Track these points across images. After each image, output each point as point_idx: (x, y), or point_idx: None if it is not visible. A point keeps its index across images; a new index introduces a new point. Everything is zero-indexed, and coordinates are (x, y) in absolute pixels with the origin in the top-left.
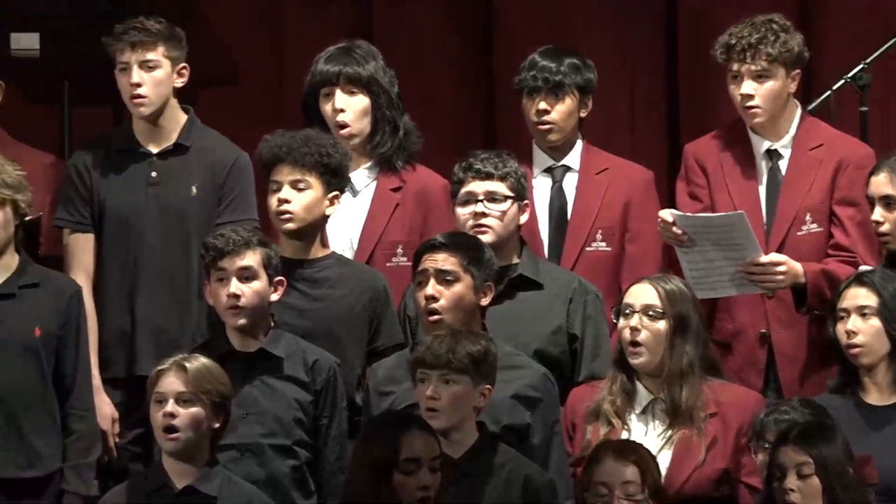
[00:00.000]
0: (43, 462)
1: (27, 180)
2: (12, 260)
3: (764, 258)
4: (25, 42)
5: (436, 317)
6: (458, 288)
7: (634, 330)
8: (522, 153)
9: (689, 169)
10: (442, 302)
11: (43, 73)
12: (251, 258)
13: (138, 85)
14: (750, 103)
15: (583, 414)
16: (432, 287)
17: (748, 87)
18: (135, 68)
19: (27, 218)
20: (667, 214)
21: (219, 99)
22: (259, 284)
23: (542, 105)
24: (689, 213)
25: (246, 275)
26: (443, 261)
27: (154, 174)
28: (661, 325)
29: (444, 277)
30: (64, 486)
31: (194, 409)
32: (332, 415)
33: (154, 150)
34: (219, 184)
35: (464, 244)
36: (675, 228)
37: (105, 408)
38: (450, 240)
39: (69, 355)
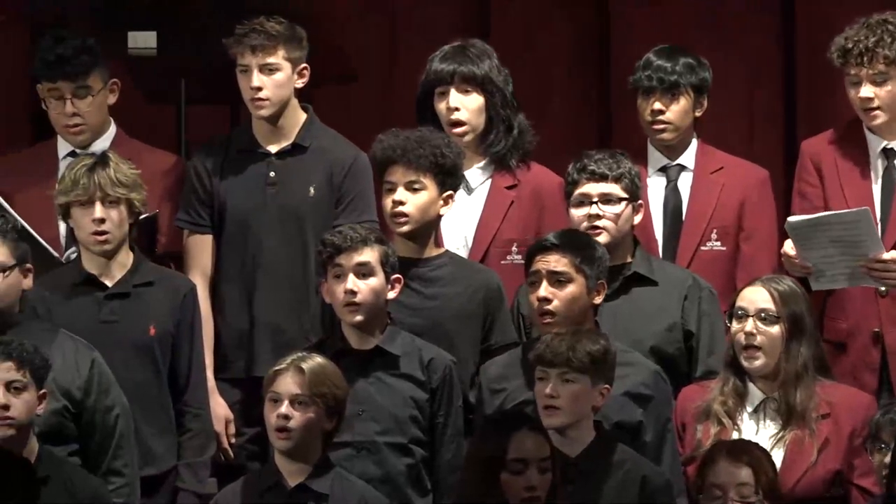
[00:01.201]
0: (158, 460)
1: (143, 178)
2: (127, 258)
3: (886, 255)
4: (143, 41)
5: (549, 318)
6: (570, 289)
7: (750, 335)
8: (637, 152)
9: (802, 167)
10: (555, 303)
11: (160, 71)
12: (368, 255)
13: (259, 88)
14: (869, 106)
15: (693, 413)
16: (545, 289)
17: (867, 90)
18: (255, 72)
19: (143, 216)
20: (788, 248)
21: (333, 98)
22: (376, 281)
23: (657, 105)
24: (807, 216)
25: (363, 271)
26: (555, 262)
27: (272, 174)
28: (776, 328)
29: (557, 279)
30: (179, 483)
31: (309, 413)
32: (448, 413)
33: (273, 150)
34: (337, 184)
35: (575, 244)
36: (799, 262)
37: (219, 409)
38: (561, 240)
39: (184, 353)
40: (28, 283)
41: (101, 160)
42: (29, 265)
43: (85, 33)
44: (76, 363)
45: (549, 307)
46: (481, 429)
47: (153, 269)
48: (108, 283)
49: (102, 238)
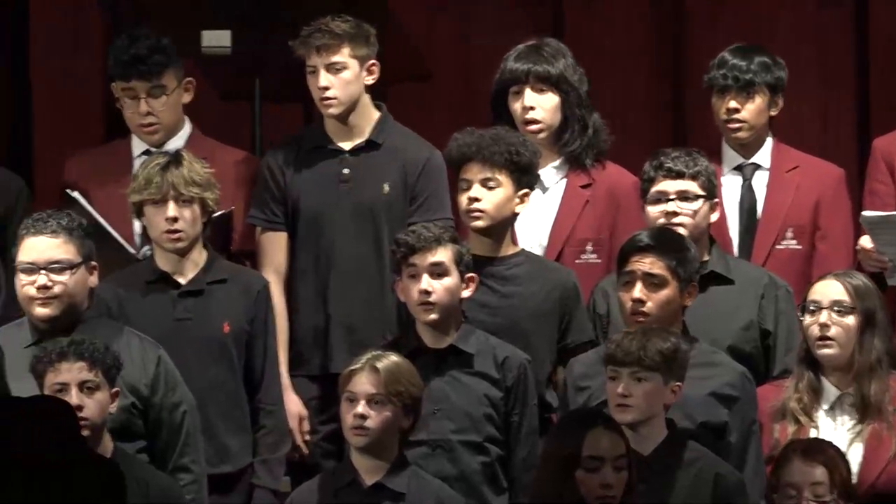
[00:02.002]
0: (234, 457)
1: (218, 176)
2: (200, 256)
3: None
4: (217, 39)
5: (642, 319)
6: (665, 292)
7: (824, 326)
8: (712, 150)
9: (874, 165)
10: (649, 305)
11: (234, 70)
12: (443, 254)
13: (326, 88)
14: None
15: (769, 413)
16: (640, 290)
17: None
18: (322, 71)
19: (218, 213)
20: (865, 242)
21: (407, 96)
22: (450, 281)
23: (732, 104)
24: (883, 212)
25: (437, 271)
26: (650, 264)
27: (346, 171)
28: (851, 319)
29: (652, 281)
30: (254, 480)
31: (385, 412)
32: (523, 412)
33: (346, 147)
34: (411, 183)
35: (671, 245)
36: (875, 256)
37: (293, 407)
38: (657, 241)
39: (258, 351)
40: (94, 280)
41: (175, 159)
42: (94, 262)
43: (159, 32)
44: (143, 360)
45: (643, 309)
46: (557, 427)
47: (226, 267)
48: (182, 281)
49: (175, 236)
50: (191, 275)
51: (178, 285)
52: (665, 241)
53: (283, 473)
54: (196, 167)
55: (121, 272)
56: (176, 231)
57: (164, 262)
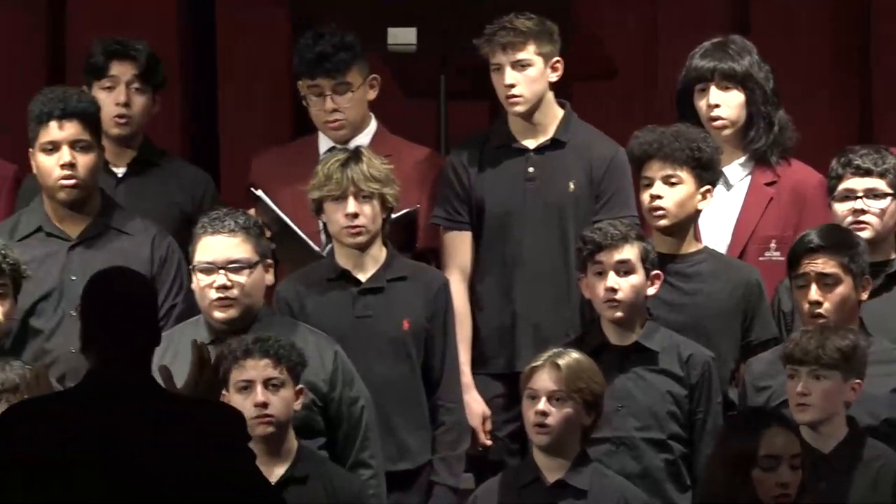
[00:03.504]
0: (413, 455)
1: (403, 174)
2: (380, 253)
3: None
4: (403, 37)
5: (821, 321)
6: (840, 290)
7: None
8: None
9: None
10: (826, 305)
11: (420, 67)
12: (629, 252)
13: (512, 86)
14: None
15: None
16: (815, 292)
17: None
18: (507, 69)
19: (403, 212)
20: None
21: (592, 94)
22: (636, 278)
23: None
24: None
25: (623, 269)
26: (823, 264)
27: (531, 170)
28: None
29: (825, 281)
30: (434, 478)
31: (566, 408)
32: (708, 409)
33: (531, 145)
34: (596, 180)
35: (841, 243)
36: None
37: (475, 405)
38: (827, 240)
39: (437, 348)
40: (270, 278)
41: (354, 155)
42: (270, 260)
43: (345, 30)
44: (320, 356)
45: (820, 310)
46: (729, 426)
47: (406, 264)
48: (362, 279)
49: (355, 231)
50: (371, 272)
51: (358, 282)
52: (835, 238)
53: (464, 470)
54: (375, 163)
55: (301, 270)
56: (356, 227)
57: (344, 260)
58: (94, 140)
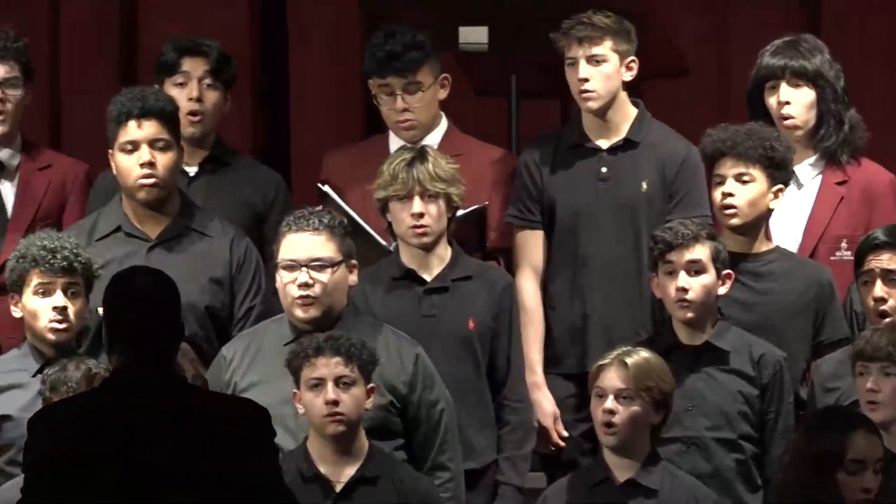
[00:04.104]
0: (479, 454)
1: (473, 174)
2: (446, 252)
3: None
4: (474, 36)
5: (888, 319)
6: None
7: None
8: None
9: None
10: (891, 302)
11: (491, 66)
12: (700, 251)
13: (585, 80)
14: None
15: None
16: (880, 288)
17: None
18: (582, 63)
19: (472, 208)
20: None
21: (664, 93)
22: (707, 278)
23: None
24: None
25: (695, 268)
26: (888, 260)
27: (604, 169)
28: None
29: (892, 277)
30: (499, 477)
31: (633, 407)
32: (779, 409)
33: (604, 145)
34: (669, 179)
35: None
36: None
37: (547, 404)
38: (892, 237)
39: (502, 347)
40: (353, 278)
41: (420, 155)
42: (354, 261)
43: (416, 29)
44: (400, 358)
45: (885, 307)
46: (812, 426)
47: (471, 264)
48: (427, 278)
49: (421, 231)
50: (436, 271)
51: (423, 282)
52: None
53: (534, 470)
54: (441, 162)
55: (367, 270)
56: (421, 227)
57: (409, 259)
58: (173, 139)
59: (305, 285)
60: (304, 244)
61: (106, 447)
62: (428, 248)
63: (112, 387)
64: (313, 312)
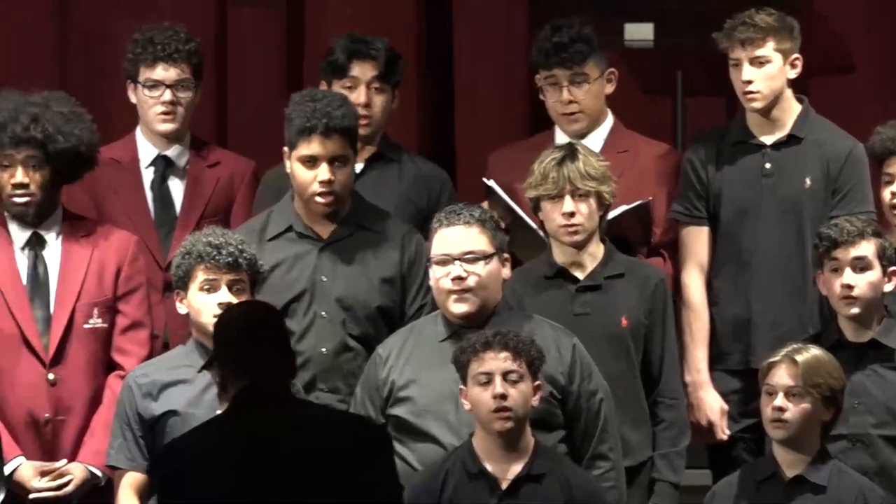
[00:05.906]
0: (634, 451)
1: (639, 170)
2: (598, 250)
3: None
4: (639, 33)
5: None
6: None
7: None
8: None
9: None
10: None
11: (657, 63)
12: (865, 248)
13: (749, 82)
14: None
15: None
16: None
17: None
18: (745, 65)
19: (637, 203)
20: None
21: (830, 89)
22: (873, 275)
23: None
24: None
25: (860, 265)
26: None
27: (768, 166)
28: None
29: None
30: (654, 474)
31: (803, 404)
32: None
33: (768, 141)
34: (833, 175)
35: None
36: None
37: (713, 400)
38: None
39: (656, 344)
40: (507, 272)
41: (570, 153)
42: (507, 255)
43: (583, 23)
44: (558, 350)
45: None
46: None
47: (623, 261)
48: (580, 276)
49: (573, 229)
50: (589, 269)
51: (576, 280)
52: None
53: (697, 466)
54: (591, 160)
55: (518, 269)
56: (573, 225)
57: (561, 257)
58: (352, 153)
59: (459, 279)
60: (456, 238)
61: (231, 486)
62: (580, 247)
63: (235, 416)
64: (468, 307)
